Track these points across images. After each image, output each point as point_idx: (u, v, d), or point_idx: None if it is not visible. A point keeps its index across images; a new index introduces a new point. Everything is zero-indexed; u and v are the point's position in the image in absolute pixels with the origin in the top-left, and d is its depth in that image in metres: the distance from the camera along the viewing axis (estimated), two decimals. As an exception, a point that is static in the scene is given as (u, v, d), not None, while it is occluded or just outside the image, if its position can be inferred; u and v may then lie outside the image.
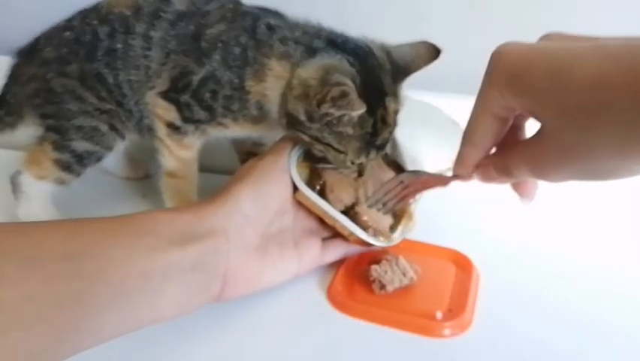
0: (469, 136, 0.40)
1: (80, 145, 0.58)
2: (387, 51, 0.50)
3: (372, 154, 0.51)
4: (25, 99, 0.59)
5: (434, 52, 0.50)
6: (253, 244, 0.44)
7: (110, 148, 0.60)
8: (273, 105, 0.51)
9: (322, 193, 0.50)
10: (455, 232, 0.58)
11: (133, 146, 0.65)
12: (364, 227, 0.50)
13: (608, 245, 0.59)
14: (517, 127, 0.40)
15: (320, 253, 0.50)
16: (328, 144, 0.49)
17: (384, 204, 0.51)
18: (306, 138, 0.50)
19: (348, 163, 0.50)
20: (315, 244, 0.50)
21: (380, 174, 0.52)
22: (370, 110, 0.47)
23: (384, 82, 0.49)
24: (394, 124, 0.50)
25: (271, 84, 0.51)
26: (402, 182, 0.50)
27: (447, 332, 0.47)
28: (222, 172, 0.68)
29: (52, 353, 0.33)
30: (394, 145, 0.51)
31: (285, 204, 0.48)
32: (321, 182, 0.50)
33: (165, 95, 0.55)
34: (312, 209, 0.49)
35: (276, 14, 0.55)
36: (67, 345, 0.33)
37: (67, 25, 0.58)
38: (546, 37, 0.36)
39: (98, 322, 0.34)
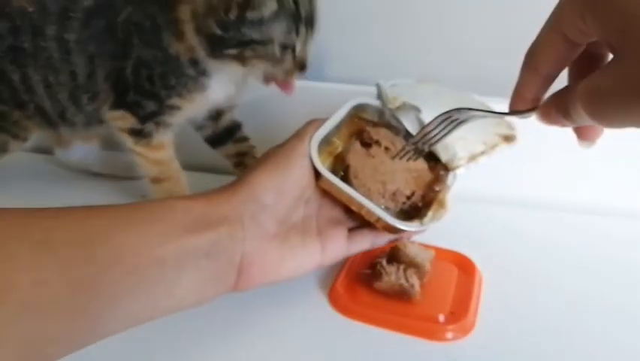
0: (529, 58, 0.36)
1: None
2: None
3: (302, 31, 0.51)
4: None
5: None
6: (270, 232, 0.42)
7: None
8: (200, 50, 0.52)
9: (346, 178, 0.47)
10: (458, 235, 0.58)
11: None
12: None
13: (612, 248, 0.59)
14: (596, 60, 0.35)
15: (346, 244, 0.47)
16: (252, 41, 0.49)
17: (425, 142, 0.47)
18: (233, 52, 0.51)
19: (278, 51, 0.51)
20: (341, 234, 0.47)
21: (410, 163, 0.49)
22: None
23: None
24: None
25: (188, 30, 0.52)
26: (449, 117, 0.44)
27: (449, 335, 0.46)
28: (222, 172, 0.67)
29: (68, 341, 0.32)
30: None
31: (306, 191, 0.46)
32: (345, 167, 0.47)
33: (114, 105, 0.55)
34: (337, 196, 0.46)
35: None
36: (83, 333, 0.33)
37: None
38: None
39: (114, 309, 0.33)
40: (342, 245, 0.47)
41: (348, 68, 0.75)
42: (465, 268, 0.54)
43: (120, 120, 0.56)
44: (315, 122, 0.47)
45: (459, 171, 0.49)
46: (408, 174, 0.48)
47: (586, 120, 0.31)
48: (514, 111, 0.38)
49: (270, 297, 0.51)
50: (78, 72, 0.55)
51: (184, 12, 0.52)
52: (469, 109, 0.42)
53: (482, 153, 0.48)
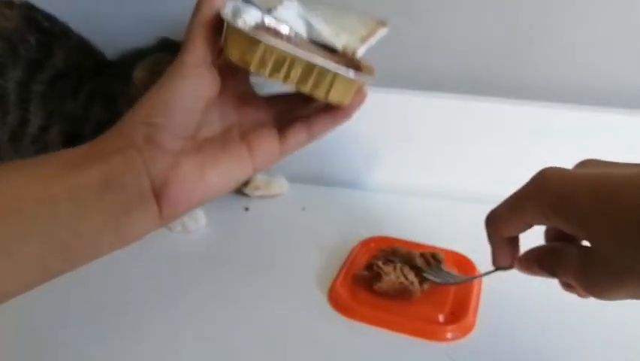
0: (492, 227, 0.40)
1: None
2: None
3: None
4: None
5: None
6: (174, 149, 0.37)
7: None
8: None
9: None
10: (457, 235, 0.58)
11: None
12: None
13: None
14: None
15: (277, 142, 0.42)
16: None
17: None
18: None
19: None
20: (269, 132, 0.42)
21: (314, 48, 0.44)
22: None
23: None
24: None
25: None
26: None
27: (449, 335, 0.46)
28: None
29: None
30: (310, 27, 0.45)
31: (215, 103, 0.40)
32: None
33: None
34: (271, 63, 0.37)
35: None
36: None
37: None
38: (583, 165, 0.37)
39: (17, 257, 0.33)
40: (274, 144, 0.41)
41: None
42: (465, 268, 0.53)
43: None
44: (200, 24, 0.39)
45: (359, 53, 0.45)
46: (322, 53, 0.42)
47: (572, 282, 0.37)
48: (497, 268, 0.43)
49: (269, 297, 0.51)
50: (32, 122, 0.56)
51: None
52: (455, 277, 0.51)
53: (368, 35, 0.46)
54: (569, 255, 0.36)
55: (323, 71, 0.38)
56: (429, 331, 0.47)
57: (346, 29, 0.47)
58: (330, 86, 0.38)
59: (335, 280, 0.52)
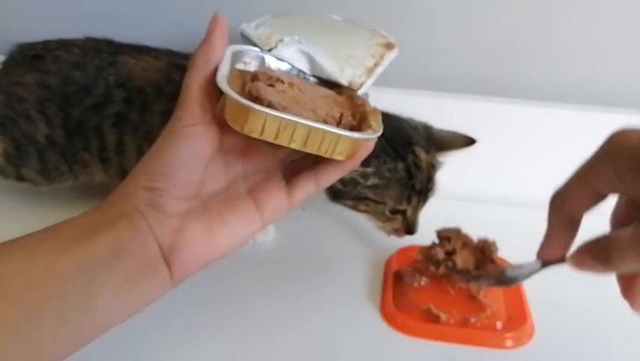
0: (557, 205, 0.36)
1: (28, 172, 0.59)
2: (426, 125, 0.59)
3: (414, 200, 0.55)
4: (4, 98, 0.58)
5: (470, 141, 0.58)
6: (178, 211, 0.36)
7: (54, 185, 0.61)
8: None
9: None
10: (497, 238, 0.56)
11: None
12: None
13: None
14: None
15: (286, 194, 0.40)
16: (366, 198, 0.52)
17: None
18: (349, 203, 0.56)
19: (387, 213, 0.55)
20: (276, 185, 0.40)
21: (317, 90, 0.42)
22: (400, 157, 0.54)
23: (412, 135, 0.56)
24: (429, 172, 0.56)
25: None
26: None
27: (509, 343, 0.45)
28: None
29: None
30: (313, 63, 0.44)
31: (214, 159, 0.38)
32: (266, 106, 0.36)
33: None
34: (271, 134, 0.36)
35: None
36: None
37: (80, 63, 0.58)
38: None
39: (39, 338, 0.31)
40: (282, 197, 0.40)
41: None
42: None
43: None
44: (197, 80, 0.38)
45: (364, 88, 0.45)
46: (325, 101, 0.41)
47: (633, 269, 0.32)
48: (545, 263, 0.38)
49: (322, 314, 0.49)
50: None
51: None
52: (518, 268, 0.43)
53: (376, 65, 0.45)
54: (628, 232, 0.31)
55: (326, 134, 0.36)
56: (487, 338, 0.46)
57: (351, 61, 0.45)
58: (335, 145, 0.37)
59: (384, 296, 0.50)
